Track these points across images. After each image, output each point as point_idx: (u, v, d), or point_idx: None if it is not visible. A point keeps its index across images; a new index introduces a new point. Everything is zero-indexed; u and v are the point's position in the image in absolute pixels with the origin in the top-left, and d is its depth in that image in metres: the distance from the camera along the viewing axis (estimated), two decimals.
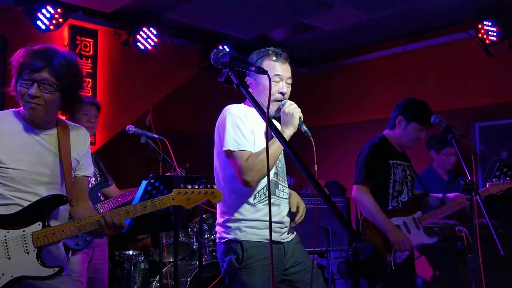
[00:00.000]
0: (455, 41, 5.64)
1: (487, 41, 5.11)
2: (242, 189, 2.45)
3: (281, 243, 2.55)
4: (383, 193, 3.42)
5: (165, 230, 4.21)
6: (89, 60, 5.21)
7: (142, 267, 4.65)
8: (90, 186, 3.63)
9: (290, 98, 2.60)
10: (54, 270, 2.19)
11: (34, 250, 2.14)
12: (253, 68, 1.70)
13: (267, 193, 2.44)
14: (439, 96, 5.69)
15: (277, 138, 1.67)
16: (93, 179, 3.69)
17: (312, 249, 5.09)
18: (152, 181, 2.94)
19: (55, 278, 2.23)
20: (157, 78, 5.81)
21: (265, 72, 1.82)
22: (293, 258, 2.58)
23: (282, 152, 2.61)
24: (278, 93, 2.53)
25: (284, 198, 2.61)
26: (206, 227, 4.84)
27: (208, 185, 2.46)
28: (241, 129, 2.44)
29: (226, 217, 2.51)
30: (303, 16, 5.31)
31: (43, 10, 4.58)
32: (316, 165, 2.36)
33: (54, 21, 4.63)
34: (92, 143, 5.02)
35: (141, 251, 4.69)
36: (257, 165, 2.34)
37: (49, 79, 2.17)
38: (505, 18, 5.04)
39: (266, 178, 2.39)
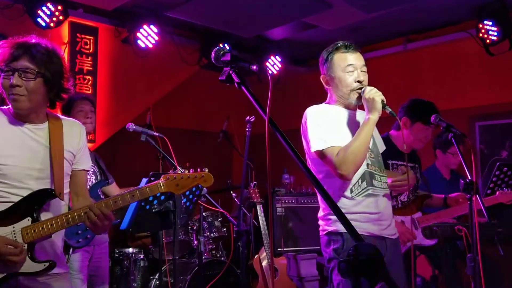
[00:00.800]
0: (455, 40, 5.64)
1: (488, 41, 5.11)
2: (338, 184, 2.47)
3: (384, 238, 2.53)
4: None
5: (165, 228, 4.21)
6: (90, 57, 5.21)
7: (141, 265, 4.65)
8: (90, 185, 3.62)
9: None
10: (44, 265, 2.14)
11: (24, 246, 2.10)
12: (254, 67, 1.70)
13: (363, 184, 2.49)
14: (439, 95, 5.69)
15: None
16: (93, 177, 3.69)
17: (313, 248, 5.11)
18: (152, 179, 2.94)
19: (52, 277, 2.21)
20: (157, 76, 5.82)
21: (265, 71, 1.81)
22: (389, 260, 2.44)
23: (375, 141, 2.64)
24: (355, 82, 2.54)
25: (383, 188, 2.57)
26: (206, 225, 4.85)
27: (198, 169, 2.38)
28: (324, 126, 2.46)
29: (327, 211, 2.54)
30: (304, 14, 5.31)
31: (43, 7, 4.58)
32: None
33: (54, 18, 4.63)
34: (91, 141, 5.03)
35: (140, 249, 4.69)
36: (349, 157, 2.35)
37: (29, 67, 2.13)
38: (505, 18, 5.04)
39: (360, 169, 2.46)
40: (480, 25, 5.10)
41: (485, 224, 3.08)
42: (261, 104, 1.65)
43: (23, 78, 2.13)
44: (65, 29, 5.06)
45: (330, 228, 2.49)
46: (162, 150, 3.81)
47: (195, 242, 4.78)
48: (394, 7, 5.05)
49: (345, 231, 2.40)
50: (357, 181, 2.48)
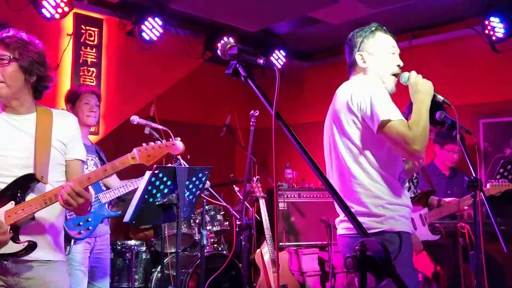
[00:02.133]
0: (461, 37, 5.62)
1: (494, 38, 5.09)
2: (391, 168, 2.26)
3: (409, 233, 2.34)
4: None
5: (168, 221, 4.22)
6: (94, 49, 5.20)
7: (143, 257, 4.66)
8: None
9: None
10: (23, 245, 2.17)
11: (6, 229, 2.15)
12: (261, 61, 1.69)
13: (403, 175, 2.31)
14: (444, 92, 5.58)
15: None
16: (95, 169, 3.69)
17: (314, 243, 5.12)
18: (156, 172, 2.94)
19: (43, 264, 2.25)
20: (161, 69, 5.81)
21: (272, 65, 1.80)
22: None
23: None
24: (396, 66, 2.42)
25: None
26: (208, 219, 4.85)
27: (170, 139, 2.42)
28: (390, 98, 2.23)
29: (371, 206, 2.24)
30: (309, 9, 5.29)
31: None
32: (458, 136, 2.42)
33: (59, 10, 4.62)
34: (95, 133, 5.03)
35: (143, 242, 4.70)
36: (423, 133, 2.15)
37: (3, 53, 2.22)
38: (511, 15, 5.02)
39: None
40: (486, 22, 5.08)
41: (488, 222, 3.08)
42: (268, 98, 1.65)
43: None
44: (69, 21, 5.05)
45: (384, 227, 2.20)
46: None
47: (198, 235, 4.79)
48: (400, 3, 5.03)
49: (402, 229, 2.22)
50: (402, 168, 2.33)
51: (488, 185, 3.55)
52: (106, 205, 3.60)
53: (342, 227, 2.35)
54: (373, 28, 2.45)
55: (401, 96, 2.47)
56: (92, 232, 3.47)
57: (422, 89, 2.29)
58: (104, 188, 3.68)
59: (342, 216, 2.36)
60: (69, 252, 3.37)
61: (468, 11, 5.32)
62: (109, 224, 3.77)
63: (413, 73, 2.36)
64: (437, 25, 5.74)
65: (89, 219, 3.45)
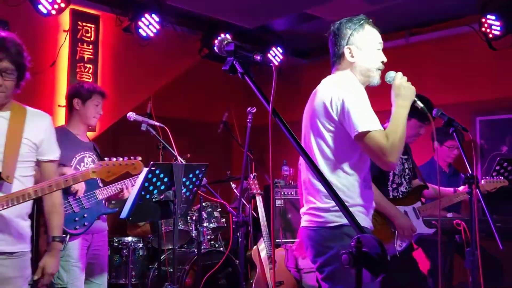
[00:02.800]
0: (458, 34, 5.62)
1: (490, 35, 5.09)
2: (363, 174, 2.31)
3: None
4: (383, 184, 3.45)
5: (165, 218, 4.22)
6: (91, 46, 5.19)
7: (140, 254, 4.66)
8: None
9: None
10: None
11: None
12: (258, 57, 1.69)
13: (369, 176, 2.37)
14: (441, 90, 5.68)
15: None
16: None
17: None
18: (153, 168, 2.94)
19: (8, 258, 2.33)
20: (158, 66, 5.80)
21: (269, 62, 1.80)
22: None
23: None
24: (381, 62, 2.42)
25: None
26: (205, 216, 4.86)
27: (132, 157, 2.53)
28: (368, 105, 2.23)
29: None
30: (306, 6, 5.29)
31: None
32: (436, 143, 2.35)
33: (55, 6, 4.60)
34: (92, 130, 5.01)
35: (139, 238, 4.71)
36: (399, 144, 2.18)
37: (10, 68, 2.31)
38: (508, 13, 5.02)
39: None
40: (483, 20, 5.08)
41: (484, 219, 3.10)
42: (264, 94, 1.65)
43: (5, 78, 2.30)
44: (66, 17, 5.03)
45: (343, 221, 2.23)
46: (162, 140, 3.81)
47: (194, 232, 4.79)
48: (398, 0, 5.03)
49: (364, 225, 2.29)
50: (367, 171, 2.39)
51: (482, 181, 3.57)
52: (103, 202, 3.60)
53: (304, 219, 2.38)
54: (362, 21, 2.44)
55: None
56: (88, 228, 3.47)
57: (404, 93, 2.31)
58: (101, 184, 3.67)
59: (305, 208, 2.40)
60: (65, 248, 3.37)
61: (465, 9, 5.33)
62: (106, 221, 3.77)
63: (399, 74, 2.37)
64: (434, 23, 5.74)
65: (85, 215, 3.45)
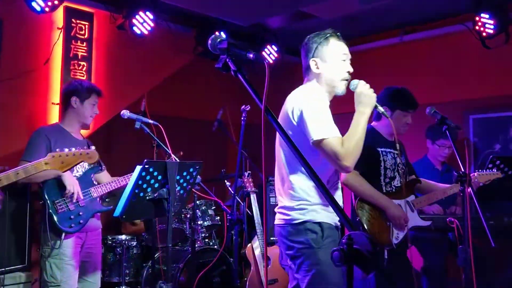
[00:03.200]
0: (452, 33, 5.65)
1: (484, 34, 5.11)
2: (326, 176, 2.49)
3: (339, 229, 2.63)
4: (376, 179, 3.48)
5: (158, 216, 4.21)
6: (84, 43, 5.16)
7: (134, 252, 4.66)
8: (84, 170, 3.62)
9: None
10: None
11: None
12: (251, 55, 1.69)
13: (335, 177, 2.55)
14: (435, 88, 5.70)
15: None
16: (87, 163, 3.66)
17: None
18: (146, 166, 2.94)
19: None
20: (153, 63, 5.79)
21: (262, 60, 1.81)
22: None
23: None
24: (346, 72, 2.57)
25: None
26: (199, 214, 4.85)
27: (85, 147, 2.49)
28: (326, 113, 2.41)
29: (302, 201, 2.51)
30: (301, 4, 5.29)
31: None
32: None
33: (49, 3, 4.57)
34: (86, 128, 5.00)
35: (133, 236, 4.70)
36: (355, 149, 2.35)
37: None
38: (502, 11, 5.04)
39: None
40: (477, 18, 5.10)
41: (477, 216, 3.11)
42: (257, 93, 1.65)
43: None
44: (60, 14, 5.00)
45: (306, 218, 2.49)
46: (156, 138, 3.81)
47: (189, 230, 4.79)
48: None
49: (323, 220, 2.47)
50: (332, 173, 2.55)
51: (475, 174, 3.56)
52: (98, 200, 3.59)
53: (276, 217, 2.62)
54: (328, 35, 2.62)
55: None
56: (83, 226, 3.46)
57: (364, 100, 2.47)
58: (96, 182, 3.67)
59: (277, 207, 2.63)
60: (60, 246, 3.36)
61: (459, 8, 5.34)
62: (100, 219, 3.76)
63: (361, 82, 2.52)
64: (428, 21, 5.75)
65: (80, 213, 3.44)
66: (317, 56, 2.61)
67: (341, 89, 2.57)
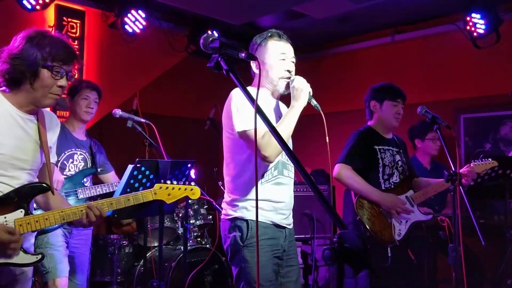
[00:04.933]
0: (443, 32, 5.68)
1: (475, 34, 5.15)
2: (253, 169, 2.45)
3: (284, 228, 2.61)
4: (374, 176, 3.52)
5: (151, 215, 4.20)
6: (76, 41, 5.14)
7: (126, 251, 4.65)
8: (77, 170, 3.61)
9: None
10: (37, 258, 2.18)
11: (19, 237, 2.08)
12: (243, 54, 1.70)
13: (275, 172, 2.55)
14: (426, 87, 5.74)
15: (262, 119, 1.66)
16: (82, 164, 3.65)
17: (297, 236, 5.14)
18: (138, 165, 2.93)
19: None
20: (144, 62, 5.77)
21: (255, 58, 1.82)
22: (287, 249, 2.63)
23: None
24: (285, 70, 2.59)
25: (291, 178, 2.66)
26: (191, 213, 4.85)
27: (186, 182, 2.62)
28: (250, 107, 2.43)
29: (235, 196, 2.56)
30: (293, 3, 5.30)
31: None
32: (327, 138, 2.46)
33: (40, 1, 4.55)
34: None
35: (125, 236, 4.68)
36: (273, 142, 2.36)
37: (73, 73, 2.24)
38: (493, 11, 5.07)
39: (280, 155, 2.50)
40: (468, 18, 5.13)
41: (467, 215, 3.14)
42: (249, 92, 1.65)
43: (69, 81, 2.23)
44: (51, 12, 4.97)
45: (236, 214, 2.53)
46: (148, 137, 3.80)
47: (181, 229, 4.79)
48: None
49: (251, 218, 2.49)
50: (271, 168, 2.55)
51: (472, 164, 3.55)
52: (84, 201, 3.55)
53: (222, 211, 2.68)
54: (268, 35, 2.66)
55: None
56: (63, 225, 3.36)
57: (296, 94, 2.50)
58: (87, 184, 3.65)
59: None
60: (44, 239, 3.34)
61: (450, 7, 5.37)
62: None
63: (297, 78, 2.55)
64: (419, 21, 5.79)
65: None
66: (257, 56, 2.62)
67: (281, 87, 2.60)
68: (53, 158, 2.40)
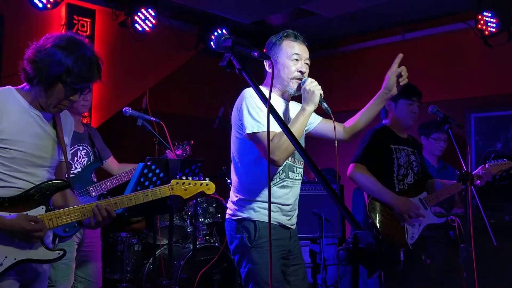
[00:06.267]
0: (454, 31, 5.63)
1: (486, 32, 5.10)
2: (261, 171, 2.49)
3: (289, 228, 2.62)
4: (388, 176, 3.47)
5: (160, 213, 4.21)
6: (86, 40, 5.15)
7: (135, 249, 4.66)
8: (82, 167, 3.54)
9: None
10: (59, 253, 2.20)
11: (44, 227, 2.13)
12: (255, 53, 1.69)
13: (283, 175, 2.55)
14: (436, 86, 5.69)
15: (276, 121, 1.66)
16: (86, 158, 3.58)
17: (306, 236, 5.14)
18: (148, 163, 2.94)
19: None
20: (154, 60, 5.78)
21: (267, 57, 1.82)
22: (292, 249, 2.64)
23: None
24: (297, 71, 2.58)
25: (298, 180, 2.65)
26: (200, 211, 4.85)
27: (201, 177, 2.64)
28: (261, 109, 2.44)
29: (242, 197, 2.56)
30: (303, 1, 5.28)
31: None
32: (336, 142, 2.48)
33: (51, 0, 4.57)
34: (87, 124, 5.00)
35: (135, 234, 4.70)
36: (283, 144, 2.35)
37: (91, 87, 2.30)
38: (504, 10, 5.03)
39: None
40: (479, 16, 5.09)
41: (478, 215, 3.11)
42: (261, 91, 1.65)
43: (83, 95, 2.28)
44: (62, 11, 5.00)
45: (243, 215, 2.53)
46: (158, 135, 3.80)
47: (190, 227, 4.79)
48: None
49: (259, 219, 2.49)
50: (279, 171, 2.55)
51: (487, 165, 3.52)
52: (97, 199, 3.54)
53: (226, 211, 2.68)
54: (284, 35, 2.65)
55: None
56: (78, 230, 3.35)
57: (307, 97, 2.47)
58: (95, 179, 3.62)
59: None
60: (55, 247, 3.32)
61: (461, 5, 5.33)
62: None
63: (308, 80, 2.52)
64: (430, 19, 5.74)
65: None
66: (271, 57, 2.59)
67: (292, 88, 2.59)
68: (69, 156, 2.44)
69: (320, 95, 2.48)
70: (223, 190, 5.66)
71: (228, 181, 5.26)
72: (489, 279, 4.11)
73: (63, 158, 2.37)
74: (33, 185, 2.17)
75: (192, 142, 4.25)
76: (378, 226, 3.33)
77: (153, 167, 2.97)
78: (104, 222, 2.26)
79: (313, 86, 2.47)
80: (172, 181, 2.53)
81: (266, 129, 2.37)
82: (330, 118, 2.52)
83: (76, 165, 3.51)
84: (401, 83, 2.66)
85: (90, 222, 2.24)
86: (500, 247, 3.02)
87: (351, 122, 2.80)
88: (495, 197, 4.18)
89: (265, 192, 2.50)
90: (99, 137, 3.81)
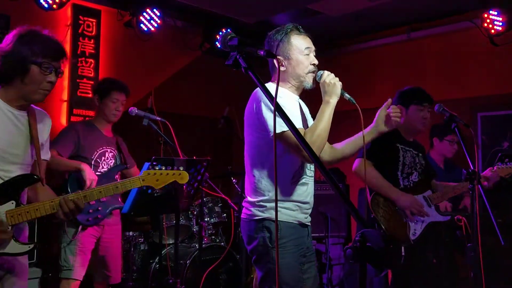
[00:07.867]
0: (459, 30, 5.61)
1: (492, 31, 5.08)
2: (283, 170, 2.45)
3: (307, 226, 2.59)
4: (393, 173, 3.48)
5: (166, 212, 4.22)
6: (92, 40, 5.18)
7: (141, 248, 4.67)
8: (108, 168, 3.67)
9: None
10: (29, 247, 2.25)
11: (7, 228, 2.17)
12: (262, 52, 1.69)
13: (301, 172, 2.51)
14: (442, 85, 5.68)
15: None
16: (113, 161, 3.72)
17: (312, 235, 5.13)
18: (154, 163, 2.94)
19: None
20: (159, 60, 5.79)
21: (274, 56, 1.82)
22: (309, 246, 2.62)
23: None
24: (311, 64, 2.55)
25: (312, 177, 2.62)
26: (206, 210, 4.86)
27: (175, 167, 2.61)
28: (287, 107, 2.39)
29: (262, 197, 2.50)
30: (309, 0, 5.27)
31: None
32: (363, 133, 2.47)
33: (57, 0, 4.59)
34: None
35: (141, 233, 4.71)
36: (317, 140, 2.33)
37: (61, 69, 2.31)
38: (510, 8, 5.01)
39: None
40: (485, 15, 5.07)
41: (485, 214, 3.10)
42: (268, 90, 1.65)
43: (58, 77, 2.31)
44: (67, 11, 5.02)
45: (264, 215, 2.47)
46: (164, 135, 3.81)
47: (196, 227, 4.80)
48: None
49: (280, 219, 2.45)
50: (298, 169, 2.50)
51: (495, 168, 3.52)
52: (118, 197, 3.64)
53: (242, 211, 2.61)
54: (288, 30, 2.59)
55: None
56: (100, 221, 3.53)
57: (328, 90, 2.44)
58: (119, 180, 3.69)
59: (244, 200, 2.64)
60: (73, 236, 3.41)
61: (467, 4, 5.31)
62: (119, 214, 3.77)
63: (325, 73, 2.49)
64: (435, 18, 5.73)
65: (99, 208, 3.48)
66: (279, 54, 2.55)
67: (309, 82, 2.55)
68: (46, 155, 2.46)
69: (341, 85, 2.45)
70: (228, 190, 5.67)
71: (234, 180, 5.27)
72: (496, 279, 4.10)
73: (45, 157, 2.43)
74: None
75: (208, 157, 4.24)
76: (380, 221, 3.33)
77: (158, 166, 2.96)
78: (73, 214, 2.27)
79: (333, 78, 2.45)
80: (143, 171, 2.52)
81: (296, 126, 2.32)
82: (337, 114, 2.47)
83: (103, 164, 3.65)
84: (392, 120, 2.59)
85: (59, 215, 2.26)
86: (507, 246, 3.00)
87: (337, 146, 2.75)
88: (501, 196, 4.16)
89: (285, 191, 2.48)
90: (126, 146, 3.94)
